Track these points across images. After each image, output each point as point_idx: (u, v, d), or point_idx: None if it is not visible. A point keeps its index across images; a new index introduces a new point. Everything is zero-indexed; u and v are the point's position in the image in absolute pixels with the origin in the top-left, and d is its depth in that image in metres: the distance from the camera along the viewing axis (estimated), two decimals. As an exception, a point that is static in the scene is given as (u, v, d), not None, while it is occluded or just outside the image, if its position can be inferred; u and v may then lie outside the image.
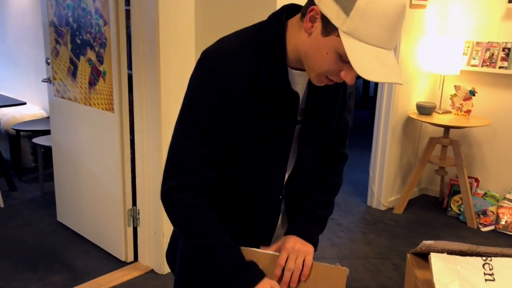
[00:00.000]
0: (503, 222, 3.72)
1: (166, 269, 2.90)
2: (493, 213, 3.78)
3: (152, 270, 2.95)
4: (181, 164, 1.10)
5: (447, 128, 3.85)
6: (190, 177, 1.10)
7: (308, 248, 1.20)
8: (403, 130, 4.05)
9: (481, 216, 3.80)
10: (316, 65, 1.02)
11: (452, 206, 4.00)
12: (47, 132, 4.06)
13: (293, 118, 1.13)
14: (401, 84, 1.06)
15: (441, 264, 0.90)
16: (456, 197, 4.00)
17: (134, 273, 2.90)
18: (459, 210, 3.96)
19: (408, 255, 1.06)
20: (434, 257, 0.91)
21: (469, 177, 3.93)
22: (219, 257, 1.12)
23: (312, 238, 1.24)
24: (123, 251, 3.02)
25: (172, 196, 1.11)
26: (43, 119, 4.56)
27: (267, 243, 1.26)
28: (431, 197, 4.36)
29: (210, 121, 1.07)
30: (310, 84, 1.15)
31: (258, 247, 1.23)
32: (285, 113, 1.11)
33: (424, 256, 1.03)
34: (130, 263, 3.03)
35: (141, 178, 2.87)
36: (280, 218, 1.26)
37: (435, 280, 0.88)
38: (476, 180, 4.06)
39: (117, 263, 3.01)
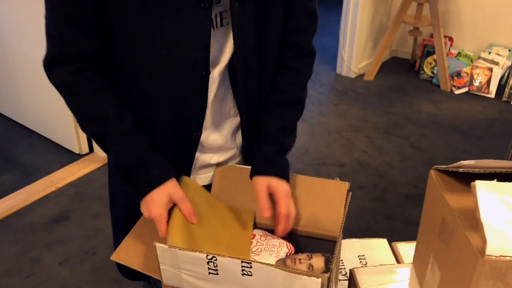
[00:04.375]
0: (476, 84, 3.58)
1: (126, 159, 2.66)
2: (467, 74, 3.61)
3: (110, 161, 2.70)
4: (55, 28, 0.88)
5: (424, -17, 3.48)
6: (67, 46, 0.89)
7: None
8: (375, -13, 3.66)
9: (455, 78, 3.63)
10: None
11: (424, 68, 3.80)
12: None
13: None
14: None
15: (490, 197, 0.66)
16: (429, 59, 3.78)
17: (91, 166, 2.64)
18: (432, 72, 3.76)
19: (432, 172, 0.82)
20: (480, 186, 0.67)
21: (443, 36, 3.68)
22: (113, 149, 0.94)
23: (287, 174, 1.01)
24: (75, 143, 2.72)
25: (54, 71, 0.92)
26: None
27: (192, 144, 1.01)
28: (402, 59, 4.12)
29: None
30: None
31: (180, 152, 1.00)
32: None
33: (454, 175, 0.79)
34: (85, 155, 2.75)
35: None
36: (210, 110, 0.99)
37: (483, 220, 0.64)
38: (450, 39, 3.82)
39: (71, 156, 2.73)
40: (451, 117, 3.27)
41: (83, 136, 2.73)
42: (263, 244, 0.95)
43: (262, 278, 0.76)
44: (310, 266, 0.89)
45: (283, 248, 0.95)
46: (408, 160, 2.79)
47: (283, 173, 0.99)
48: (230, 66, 0.96)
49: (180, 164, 1.01)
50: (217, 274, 0.78)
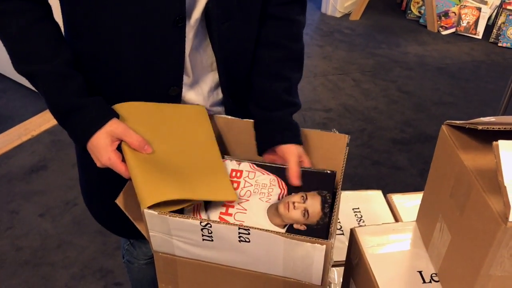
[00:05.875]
0: (464, 24, 3.49)
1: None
2: (455, 14, 3.51)
3: (88, 108, 2.57)
4: None
5: None
6: None
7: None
8: None
9: (443, 18, 3.53)
10: None
11: (412, 8, 3.68)
12: None
13: None
14: None
15: (515, 158, 0.60)
16: (416, -2, 3.65)
17: (67, 113, 2.52)
18: (419, 12, 3.65)
19: (444, 127, 0.76)
20: (503, 146, 0.61)
21: (433, -25, 3.54)
22: (44, 91, 0.83)
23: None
24: (49, 88, 2.58)
25: None
26: None
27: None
28: (388, -2, 3.99)
29: None
30: None
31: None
32: None
33: (470, 133, 0.73)
34: (61, 101, 2.63)
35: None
36: (189, 62, 0.89)
37: (506, 184, 0.58)
38: (439, -23, 3.68)
39: (45, 103, 2.60)
40: (438, 59, 3.20)
41: (57, 81, 2.58)
42: (252, 185, 0.86)
43: (261, 245, 0.71)
44: (305, 212, 0.81)
45: (275, 188, 0.86)
46: (395, 104, 2.74)
47: (300, 137, 0.92)
48: (207, 11, 0.84)
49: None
50: (212, 240, 0.72)
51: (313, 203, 0.82)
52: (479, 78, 3.00)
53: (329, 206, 0.82)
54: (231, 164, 0.89)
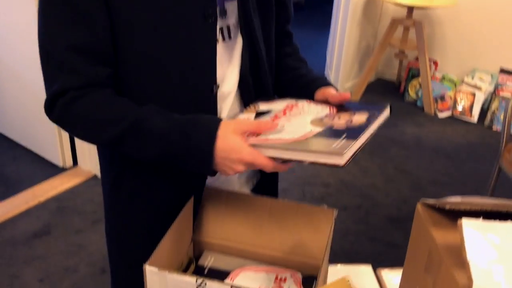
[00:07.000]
0: (460, 108, 3.64)
1: (110, 174, 2.63)
2: (451, 98, 3.67)
3: (95, 176, 2.67)
4: (54, 62, 0.81)
5: (410, 9, 3.54)
6: (68, 78, 0.81)
7: None
8: (363, 10, 3.71)
9: (439, 101, 3.69)
10: None
11: (409, 91, 3.86)
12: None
13: None
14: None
15: (476, 236, 0.67)
16: (414, 81, 3.84)
17: (74, 180, 2.61)
18: (417, 95, 3.82)
19: (419, 206, 0.83)
20: (467, 224, 0.68)
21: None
22: (147, 132, 0.80)
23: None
24: (59, 155, 2.69)
25: (56, 105, 0.83)
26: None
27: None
28: (387, 81, 4.19)
29: None
30: None
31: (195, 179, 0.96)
32: None
33: (440, 211, 0.81)
34: (69, 168, 2.73)
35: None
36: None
37: (469, 260, 0.65)
38: (435, 63, 3.89)
39: (54, 169, 2.70)
40: (435, 140, 3.31)
41: (67, 149, 2.70)
42: (305, 110, 0.92)
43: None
44: (349, 121, 0.84)
45: (325, 109, 0.90)
46: (392, 182, 2.82)
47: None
48: (241, 81, 0.96)
49: (193, 187, 0.98)
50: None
51: (360, 117, 0.84)
52: (474, 160, 3.10)
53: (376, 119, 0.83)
54: (288, 101, 0.97)
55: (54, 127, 2.61)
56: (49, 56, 0.82)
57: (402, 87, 3.96)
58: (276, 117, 0.91)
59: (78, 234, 2.25)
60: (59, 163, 2.71)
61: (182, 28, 0.84)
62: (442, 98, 3.68)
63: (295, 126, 0.85)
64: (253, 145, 0.79)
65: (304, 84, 1.02)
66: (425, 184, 2.81)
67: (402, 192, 2.72)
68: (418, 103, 3.77)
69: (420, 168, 2.98)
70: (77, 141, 2.68)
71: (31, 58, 2.46)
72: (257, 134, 0.81)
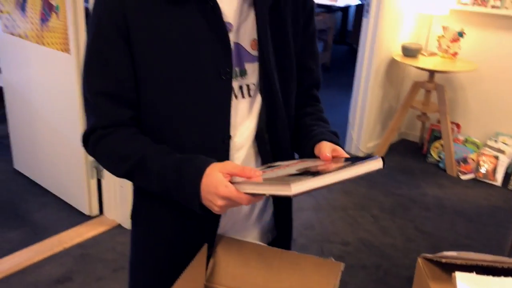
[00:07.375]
0: (483, 170, 3.64)
1: (133, 224, 2.71)
2: (474, 161, 3.68)
3: (119, 225, 2.75)
4: (88, 105, 0.98)
5: (432, 73, 3.64)
6: (97, 118, 0.97)
7: None
8: (386, 72, 3.83)
9: (461, 163, 3.70)
10: None
11: (432, 152, 3.88)
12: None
13: (219, 33, 0.93)
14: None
15: (469, 288, 0.71)
16: (436, 143, 3.87)
17: (99, 228, 2.69)
18: (439, 157, 3.84)
19: (420, 260, 0.88)
20: (460, 278, 0.72)
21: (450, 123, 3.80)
22: (150, 168, 0.92)
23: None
24: (86, 204, 2.80)
25: (89, 141, 0.99)
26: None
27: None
28: (410, 142, 4.23)
29: (103, 47, 0.93)
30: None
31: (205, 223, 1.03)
32: (205, 28, 0.92)
33: (440, 264, 0.85)
34: (95, 217, 2.82)
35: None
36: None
37: (462, 310, 0.69)
38: (457, 125, 3.93)
39: (81, 217, 2.80)
40: (457, 202, 3.30)
41: (94, 198, 2.81)
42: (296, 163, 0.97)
43: None
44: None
45: (314, 161, 0.95)
46: (412, 242, 2.80)
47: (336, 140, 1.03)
48: (257, 136, 1.04)
49: (204, 231, 1.05)
50: None
51: (345, 164, 0.87)
52: (496, 223, 3.07)
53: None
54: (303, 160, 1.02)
55: (83, 176, 2.73)
56: (86, 100, 0.98)
57: (425, 149, 3.99)
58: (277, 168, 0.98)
59: (99, 281, 2.30)
60: (86, 211, 2.81)
61: (198, 84, 0.94)
62: (465, 160, 3.69)
63: (283, 172, 0.91)
64: (235, 183, 0.85)
65: (308, 139, 1.08)
66: (445, 246, 2.78)
67: (421, 253, 2.69)
68: (441, 165, 3.79)
69: (440, 229, 2.96)
70: (104, 190, 2.79)
71: (64, 111, 2.63)
72: (247, 177, 0.86)
